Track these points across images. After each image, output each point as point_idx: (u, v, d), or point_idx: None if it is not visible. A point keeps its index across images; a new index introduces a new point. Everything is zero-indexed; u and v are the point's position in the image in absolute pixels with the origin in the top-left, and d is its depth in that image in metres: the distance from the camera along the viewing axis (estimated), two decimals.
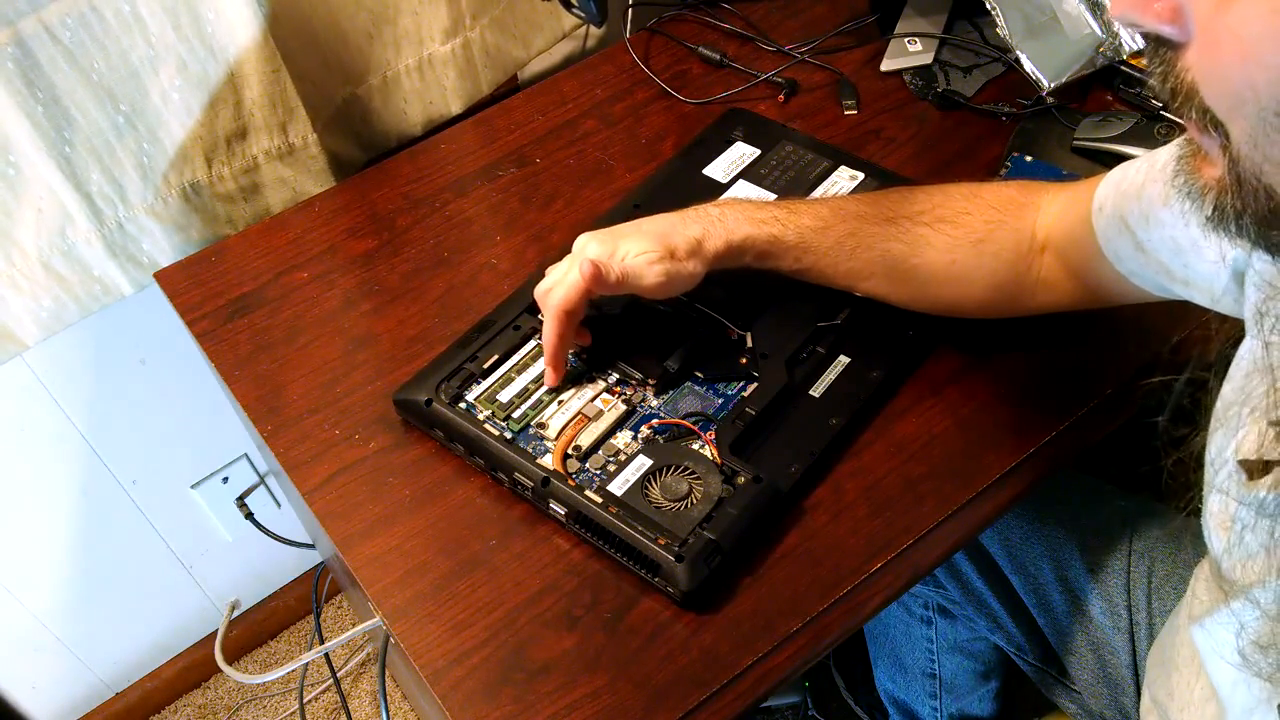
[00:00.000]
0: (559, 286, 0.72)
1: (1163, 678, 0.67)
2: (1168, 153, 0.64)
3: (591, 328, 0.79)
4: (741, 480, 0.70)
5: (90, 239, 0.93)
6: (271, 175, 1.00)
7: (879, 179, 0.90)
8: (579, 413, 0.76)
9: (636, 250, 0.72)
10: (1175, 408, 0.60)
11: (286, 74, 0.93)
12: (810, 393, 0.77)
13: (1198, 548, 0.84)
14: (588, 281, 0.71)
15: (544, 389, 0.77)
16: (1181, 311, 0.66)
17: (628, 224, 0.75)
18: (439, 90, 1.08)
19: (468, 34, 1.06)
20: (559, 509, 0.71)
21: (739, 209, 0.76)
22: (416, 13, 1.02)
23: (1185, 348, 0.77)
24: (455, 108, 1.10)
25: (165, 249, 0.98)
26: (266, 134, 0.97)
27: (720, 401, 0.77)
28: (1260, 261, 0.53)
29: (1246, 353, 0.54)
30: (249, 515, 1.29)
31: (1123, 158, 0.90)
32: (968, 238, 0.74)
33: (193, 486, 1.25)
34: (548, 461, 0.73)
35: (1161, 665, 0.68)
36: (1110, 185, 0.68)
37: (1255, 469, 0.50)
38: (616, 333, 0.79)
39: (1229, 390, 0.55)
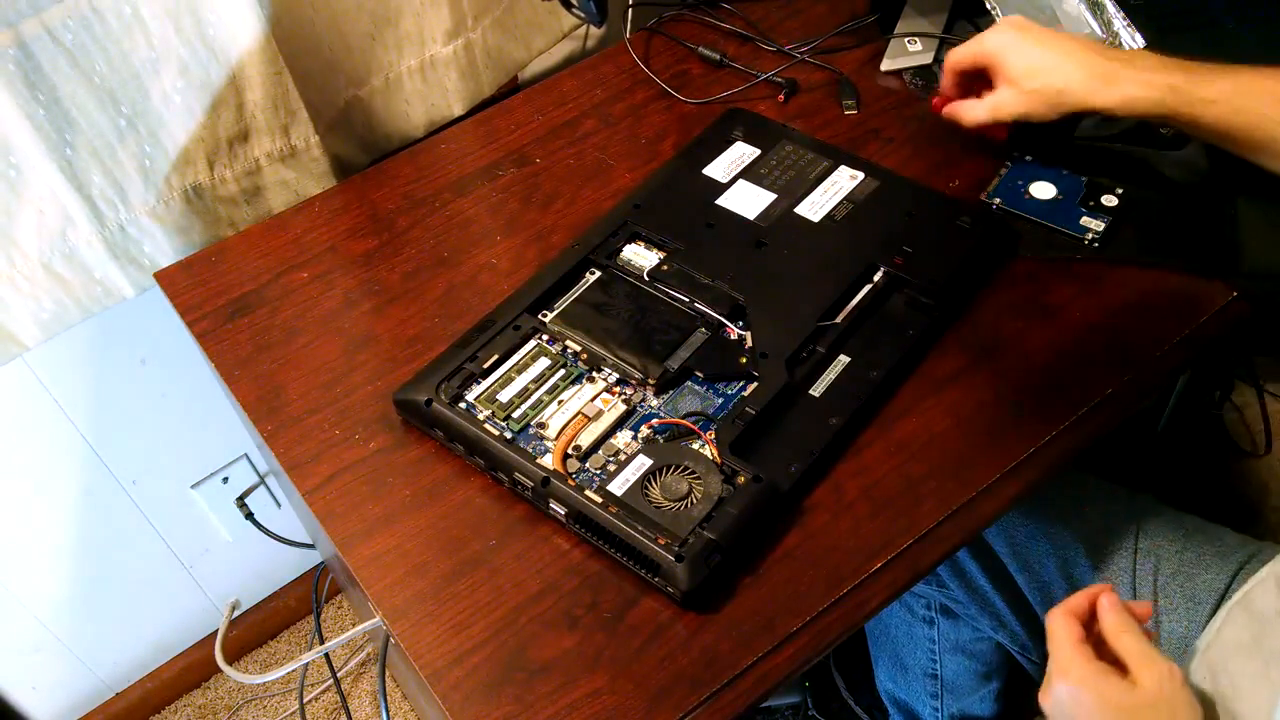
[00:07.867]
0: None
1: (1231, 678, 0.65)
2: None
3: (592, 324, 0.79)
4: (741, 480, 0.70)
5: (91, 241, 0.93)
6: (273, 178, 1.00)
7: (879, 179, 0.90)
8: (579, 412, 0.76)
9: None
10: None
11: (289, 76, 0.93)
12: (810, 392, 0.77)
13: (1202, 547, 0.84)
14: None
15: (543, 389, 0.77)
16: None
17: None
18: (441, 92, 1.08)
19: (469, 35, 1.06)
20: (559, 509, 0.71)
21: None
22: (418, 14, 1.02)
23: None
24: (457, 109, 1.10)
25: (167, 251, 0.97)
26: (269, 136, 0.97)
27: (720, 401, 0.77)
28: None
29: None
30: (249, 515, 1.29)
31: (1124, 157, 0.90)
32: None
33: (193, 486, 1.25)
34: (548, 461, 0.73)
35: (1233, 666, 0.67)
36: None
37: None
38: (617, 330, 0.79)
39: None
